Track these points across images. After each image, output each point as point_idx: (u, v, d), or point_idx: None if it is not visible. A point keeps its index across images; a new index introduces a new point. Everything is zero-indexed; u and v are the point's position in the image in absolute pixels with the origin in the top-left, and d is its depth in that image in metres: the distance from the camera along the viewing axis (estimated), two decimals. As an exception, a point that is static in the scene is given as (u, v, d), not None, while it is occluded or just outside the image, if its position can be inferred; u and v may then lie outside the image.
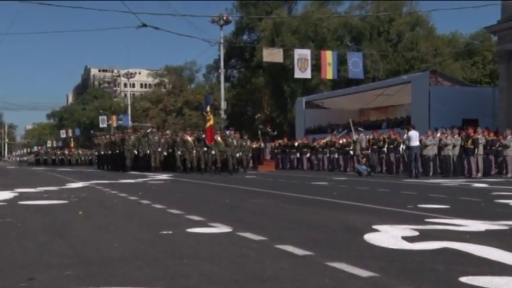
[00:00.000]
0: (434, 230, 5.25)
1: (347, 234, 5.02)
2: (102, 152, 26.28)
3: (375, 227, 5.30)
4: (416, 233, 4.95)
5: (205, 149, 21.12)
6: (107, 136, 27.70)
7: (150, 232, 5.20)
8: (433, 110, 23.63)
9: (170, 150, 22.40)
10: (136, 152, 22.52)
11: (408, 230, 5.13)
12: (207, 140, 20.95)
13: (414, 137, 17.45)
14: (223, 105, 33.08)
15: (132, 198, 9.10)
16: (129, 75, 58.83)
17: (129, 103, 60.98)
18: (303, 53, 27.67)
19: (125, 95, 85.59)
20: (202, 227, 5.47)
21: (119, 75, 74.63)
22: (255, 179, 16.80)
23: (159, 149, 22.37)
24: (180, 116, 59.11)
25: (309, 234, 5.06)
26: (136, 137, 23.22)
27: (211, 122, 21.36)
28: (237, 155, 22.15)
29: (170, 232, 5.14)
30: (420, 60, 41.42)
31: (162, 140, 22.86)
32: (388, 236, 4.77)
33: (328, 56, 27.39)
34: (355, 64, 27.24)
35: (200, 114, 59.75)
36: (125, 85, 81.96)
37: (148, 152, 22.25)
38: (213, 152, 20.91)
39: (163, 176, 17.77)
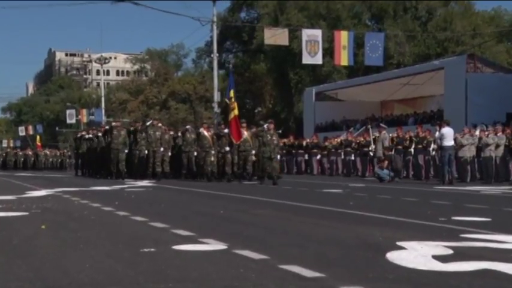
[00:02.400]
0: (472, 247, 5.27)
1: (366, 252, 5.03)
2: (83, 153, 25.15)
3: (399, 243, 5.32)
4: (450, 251, 4.97)
5: (227, 148, 18.92)
6: (90, 131, 26.74)
7: (128, 250, 5.21)
8: (470, 103, 23.67)
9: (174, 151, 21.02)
10: (126, 151, 20.79)
11: (440, 247, 5.15)
12: (232, 137, 18.58)
13: (448, 135, 17.43)
14: (216, 96, 32.93)
15: (107, 209, 9.12)
16: (102, 61, 58.85)
17: (102, 94, 61.01)
18: (312, 34, 27.70)
19: (98, 85, 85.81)
20: (192, 243, 5.49)
21: (90, 61, 74.92)
22: (255, 185, 16.81)
23: (161, 149, 20.48)
24: (164, 110, 59.26)
25: (319, 252, 5.08)
26: (128, 132, 21.48)
27: (236, 111, 18.66)
28: (278, 156, 18.76)
29: (153, 250, 5.15)
30: (455, 42, 41.47)
31: (166, 137, 21.09)
32: (416, 255, 4.79)
33: (343, 38, 27.42)
34: (374, 48, 27.24)
35: (189, 108, 60.16)
36: (98, 72, 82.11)
37: (146, 152, 20.47)
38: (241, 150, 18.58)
39: (144, 183, 17.78)
